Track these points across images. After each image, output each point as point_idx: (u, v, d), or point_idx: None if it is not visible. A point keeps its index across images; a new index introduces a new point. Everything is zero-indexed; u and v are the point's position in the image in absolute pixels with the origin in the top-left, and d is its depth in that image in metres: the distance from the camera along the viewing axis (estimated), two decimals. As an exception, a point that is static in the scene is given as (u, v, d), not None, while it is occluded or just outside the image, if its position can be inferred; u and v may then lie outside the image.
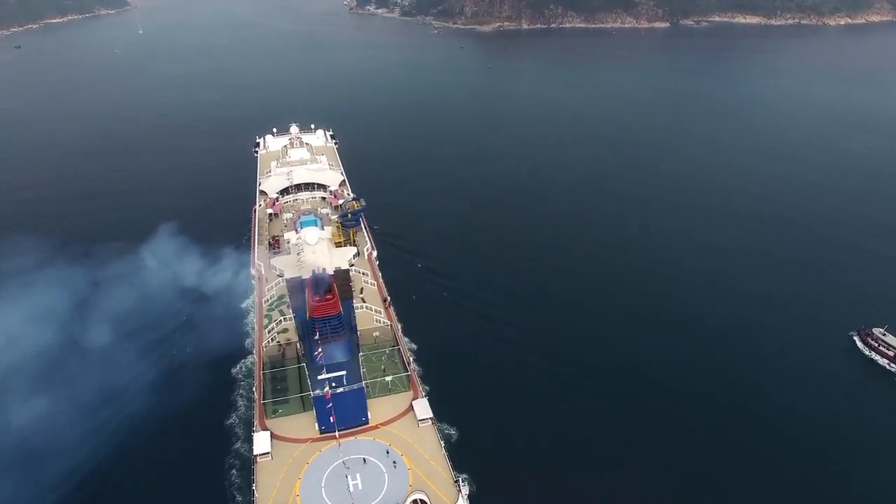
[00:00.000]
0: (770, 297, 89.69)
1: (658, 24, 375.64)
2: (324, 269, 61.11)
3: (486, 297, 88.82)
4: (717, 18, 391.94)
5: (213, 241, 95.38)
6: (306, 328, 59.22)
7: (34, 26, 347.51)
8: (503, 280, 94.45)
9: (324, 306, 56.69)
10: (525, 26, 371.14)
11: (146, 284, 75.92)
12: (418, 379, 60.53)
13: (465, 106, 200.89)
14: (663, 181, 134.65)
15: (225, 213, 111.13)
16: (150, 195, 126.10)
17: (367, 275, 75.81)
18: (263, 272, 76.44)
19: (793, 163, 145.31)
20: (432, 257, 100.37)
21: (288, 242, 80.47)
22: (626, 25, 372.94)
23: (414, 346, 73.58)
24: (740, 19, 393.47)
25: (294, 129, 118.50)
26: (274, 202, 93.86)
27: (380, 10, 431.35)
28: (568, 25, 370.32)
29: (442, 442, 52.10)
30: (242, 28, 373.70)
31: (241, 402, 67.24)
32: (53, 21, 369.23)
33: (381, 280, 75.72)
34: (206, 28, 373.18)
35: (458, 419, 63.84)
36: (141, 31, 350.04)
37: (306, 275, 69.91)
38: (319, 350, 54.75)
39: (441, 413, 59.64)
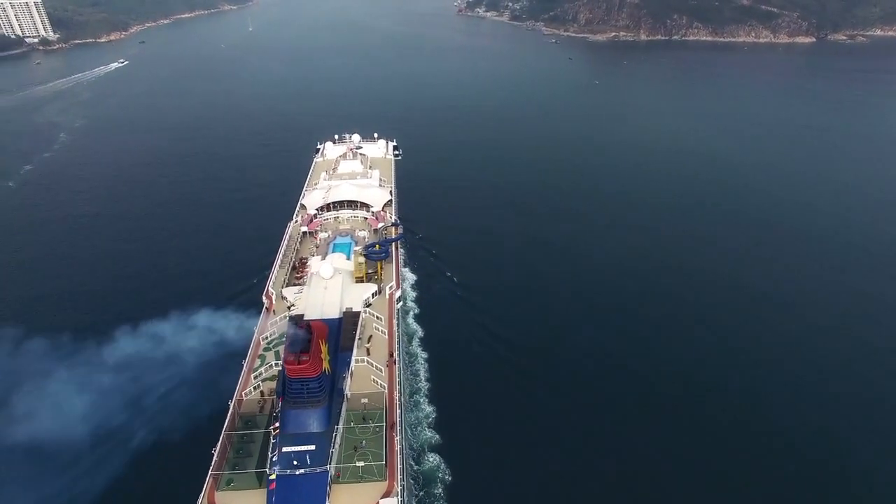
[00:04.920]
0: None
1: (800, 40, 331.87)
2: (306, 324, 52.11)
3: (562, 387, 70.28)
4: (879, 32, 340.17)
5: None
6: (285, 386, 50.75)
7: (165, 21, 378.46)
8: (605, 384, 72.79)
9: (297, 369, 47.73)
10: (643, 37, 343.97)
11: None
12: (399, 467, 49.76)
13: (562, 129, 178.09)
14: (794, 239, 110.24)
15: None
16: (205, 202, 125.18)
17: (382, 320, 65.26)
18: (274, 302, 69.45)
19: None
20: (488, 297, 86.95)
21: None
22: (762, 40, 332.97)
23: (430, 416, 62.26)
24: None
25: (355, 137, 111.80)
26: (311, 219, 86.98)
27: (489, 14, 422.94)
28: (692, 38, 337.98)
29: None
30: (349, 27, 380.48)
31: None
32: (182, 16, 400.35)
33: (394, 328, 65.40)
34: (314, 26, 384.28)
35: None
36: (251, 29, 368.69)
37: (311, 314, 62.18)
38: (276, 425, 45.79)
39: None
